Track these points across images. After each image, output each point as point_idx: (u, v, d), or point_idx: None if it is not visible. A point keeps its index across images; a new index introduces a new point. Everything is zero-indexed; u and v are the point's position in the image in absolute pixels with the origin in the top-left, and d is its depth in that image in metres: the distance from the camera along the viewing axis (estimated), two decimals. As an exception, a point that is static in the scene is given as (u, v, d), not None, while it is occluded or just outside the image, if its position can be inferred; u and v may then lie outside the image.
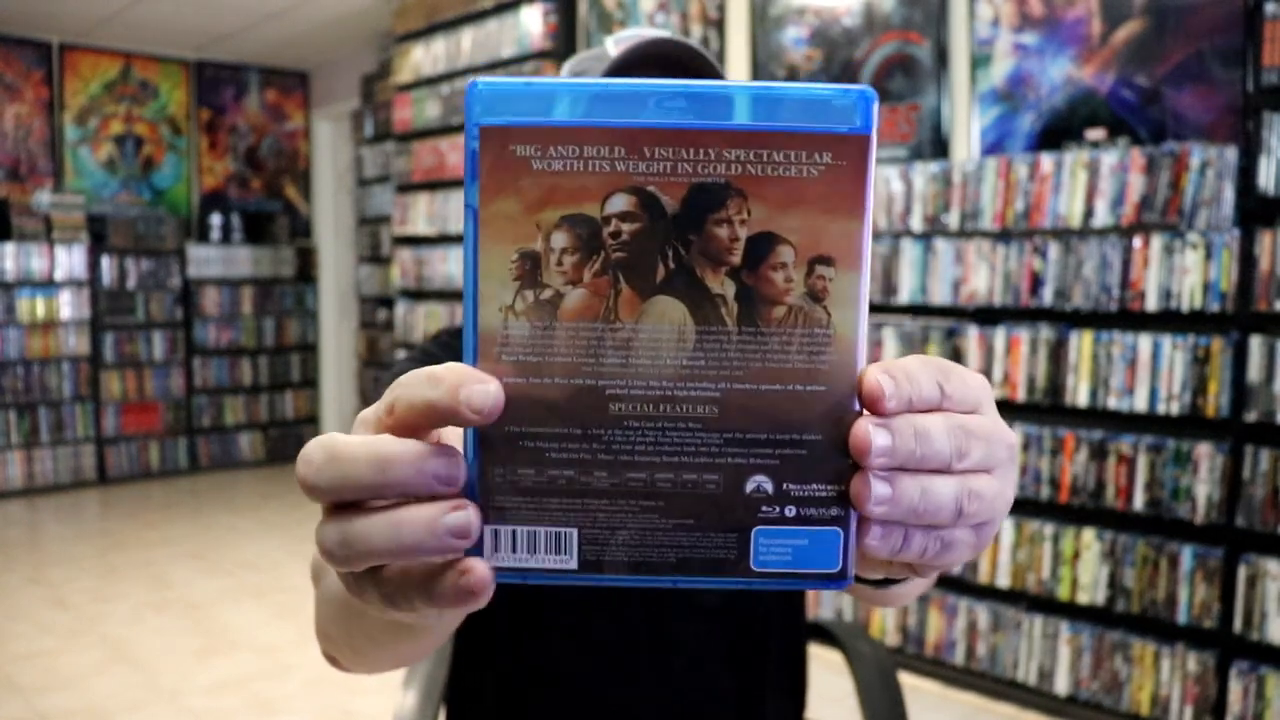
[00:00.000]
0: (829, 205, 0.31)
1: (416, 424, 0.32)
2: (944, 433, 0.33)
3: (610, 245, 0.32)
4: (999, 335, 2.72)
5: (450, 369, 0.32)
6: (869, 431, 0.32)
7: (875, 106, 0.31)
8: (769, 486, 0.33)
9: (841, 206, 0.31)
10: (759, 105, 0.31)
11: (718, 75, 0.85)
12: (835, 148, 0.31)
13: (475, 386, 0.31)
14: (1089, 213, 2.54)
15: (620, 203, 0.31)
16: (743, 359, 0.32)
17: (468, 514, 0.31)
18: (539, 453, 0.33)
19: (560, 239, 0.32)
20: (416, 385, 0.32)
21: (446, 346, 0.93)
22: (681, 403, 0.32)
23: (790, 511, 0.33)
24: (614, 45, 0.87)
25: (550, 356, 0.32)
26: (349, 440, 0.32)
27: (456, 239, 4.51)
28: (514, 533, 0.33)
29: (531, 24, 4.07)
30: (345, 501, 0.32)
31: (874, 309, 3.00)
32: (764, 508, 0.33)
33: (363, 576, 0.34)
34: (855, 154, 0.31)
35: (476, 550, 0.33)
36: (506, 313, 0.32)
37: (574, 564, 0.33)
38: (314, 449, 0.32)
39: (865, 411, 0.33)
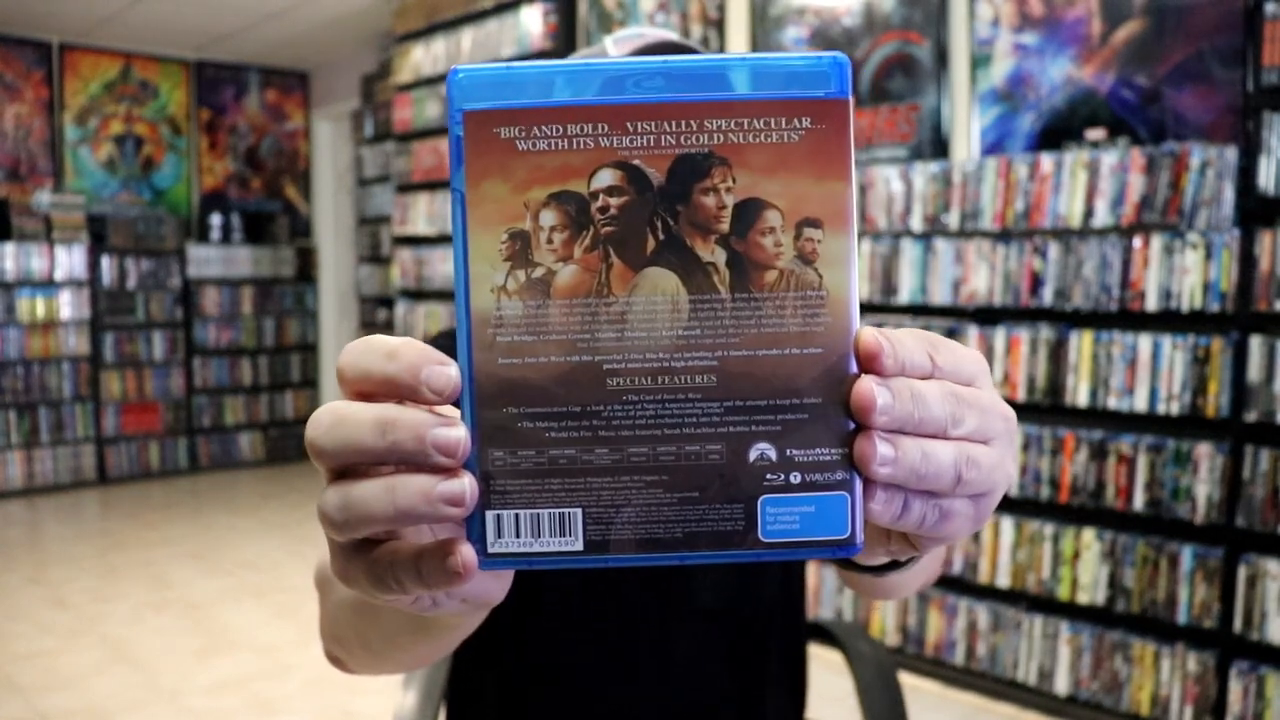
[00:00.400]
0: (813, 168, 0.32)
1: (369, 392, 0.32)
2: (938, 397, 0.33)
3: (599, 220, 0.32)
4: (999, 335, 2.72)
5: (407, 344, 0.32)
6: (872, 390, 0.32)
7: (849, 71, 0.32)
8: (772, 453, 0.33)
9: (825, 169, 0.32)
10: (737, 76, 0.32)
11: None
12: (815, 112, 0.32)
13: (436, 367, 0.32)
14: (1089, 213, 2.54)
15: (607, 178, 0.32)
16: (738, 325, 0.32)
17: (463, 482, 0.31)
18: (538, 433, 0.32)
19: (549, 217, 0.32)
20: (370, 355, 0.32)
21: (446, 350, 0.93)
22: (680, 373, 0.32)
23: (795, 478, 0.33)
24: (614, 45, 0.87)
25: (545, 335, 0.32)
26: (355, 405, 0.32)
27: (456, 239, 4.51)
28: (517, 516, 0.33)
29: (531, 24, 4.07)
30: (348, 467, 0.33)
31: (874, 309, 3.00)
32: (769, 475, 0.33)
33: (354, 555, 0.34)
34: (835, 117, 0.32)
35: (479, 536, 0.33)
36: (499, 293, 0.32)
37: (579, 545, 0.33)
38: (323, 412, 0.33)
39: (863, 374, 0.33)
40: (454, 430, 0.31)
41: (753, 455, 0.33)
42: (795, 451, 0.33)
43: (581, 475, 0.33)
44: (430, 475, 0.31)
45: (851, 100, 0.32)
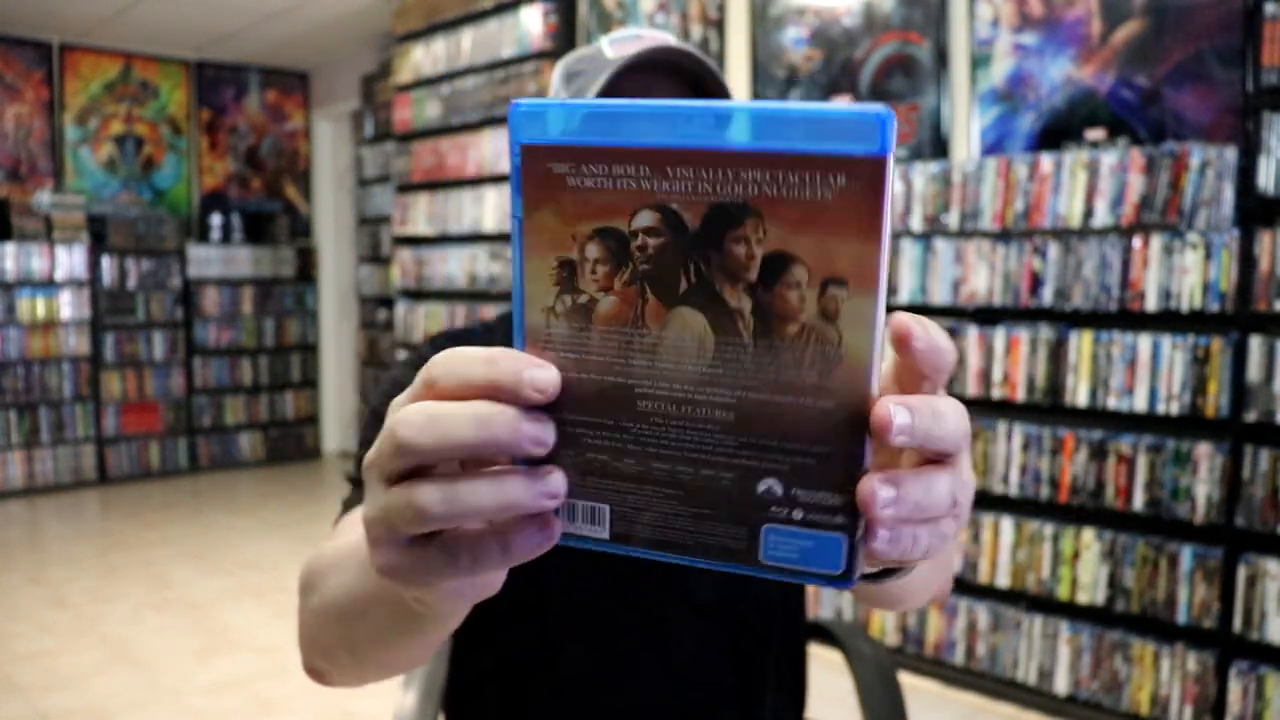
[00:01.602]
0: (843, 227, 0.31)
1: (463, 398, 0.35)
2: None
3: (637, 258, 0.34)
4: (999, 335, 2.72)
5: (504, 353, 0.35)
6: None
7: (893, 127, 0.31)
8: (779, 489, 0.34)
9: (856, 228, 0.31)
10: (776, 126, 0.32)
11: (720, 82, 0.85)
12: (850, 170, 0.31)
13: (537, 370, 0.34)
14: (1089, 213, 2.54)
15: (646, 219, 0.33)
16: (757, 370, 0.33)
17: (559, 478, 0.35)
18: (577, 437, 0.36)
19: (593, 250, 0.34)
20: (470, 362, 0.35)
21: (439, 349, 0.93)
22: (701, 406, 0.34)
23: (798, 514, 0.34)
24: (610, 46, 0.86)
25: (586, 355, 0.35)
26: (446, 403, 0.34)
27: (456, 239, 4.52)
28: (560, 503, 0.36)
29: (531, 24, 4.07)
30: (430, 464, 0.35)
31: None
32: (773, 508, 0.34)
33: (415, 545, 0.36)
34: (870, 176, 0.31)
35: None
36: (548, 314, 0.35)
37: (606, 535, 0.36)
38: (412, 413, 0.34)
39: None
40: (543, 424, 0.34)
41: (760, 488, 0.34)
42: (799, 491, 0.34)
43: (612, 479, 0.36)
44: (530, 471, 0.35)
45: (891, 157, 0.31)
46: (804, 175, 0.31)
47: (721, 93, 0.85)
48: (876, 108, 0.31)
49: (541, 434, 0.34)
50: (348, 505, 0.82)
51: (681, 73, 0.83)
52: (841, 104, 0.31)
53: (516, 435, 0.33)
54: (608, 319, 0.34)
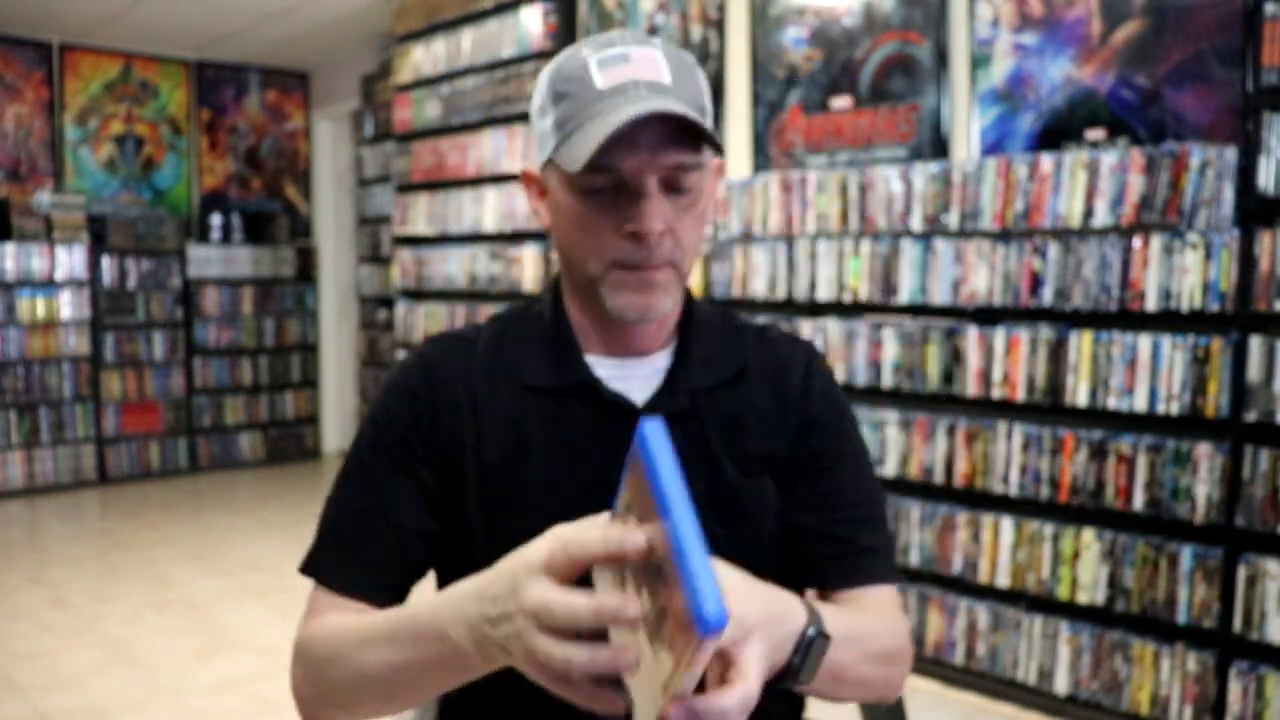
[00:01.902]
0: (688, 645, 0.52)
1: (593, 563, 0.59)
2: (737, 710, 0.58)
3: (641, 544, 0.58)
4: (999, 335, 2.72)
5: (614, 532, 0.58)
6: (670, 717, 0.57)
7: (718, 627, 0.49)
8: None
9: (682, 650, 0.54)
10: (689, 567, 0.50)
11: (710, 131, 0.83)
12: (689, 630, 0.51)
13: (635, 536, 0.56)
14: (1089, 213, 2.54)
15: (647, 530, 0.56)
16: (653, 626, 0.57)
17: (635, 656, 0.58)
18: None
19: (632, 521, 0.59)
20: (592, 542, 0.58)
21: (423, 356, 0.95)
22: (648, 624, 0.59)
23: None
24: (598, 71, 0.82)
25: (623, 570, 0.61)
26: (580, 599, 0.57)
27: (456, 239, 4.52)
28: None
29: (531, 24, 4.07)
30: (565, 630, 0.58)
31: (874, 309, 3.00)
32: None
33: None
34: (696, 645, 0.51)
35: None
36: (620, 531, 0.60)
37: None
38: (557, 604, 0.57)
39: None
40: (634, 608, 0.55)
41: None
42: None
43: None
44: (625, 654, 0.57)
45: (709, 640, 0.50)
46: (681, 595, 0.51)
47: (712, 140, 0.83)
48: (715, 613, 0.49)
49: (634, 616, 0.55)
50: (318, 571, 0.96)
51: (674, 123, 0.82)
52: (715, 603, 0.49)
53: (629, 620, 0.55)
54: (632, 563, 0.59)
